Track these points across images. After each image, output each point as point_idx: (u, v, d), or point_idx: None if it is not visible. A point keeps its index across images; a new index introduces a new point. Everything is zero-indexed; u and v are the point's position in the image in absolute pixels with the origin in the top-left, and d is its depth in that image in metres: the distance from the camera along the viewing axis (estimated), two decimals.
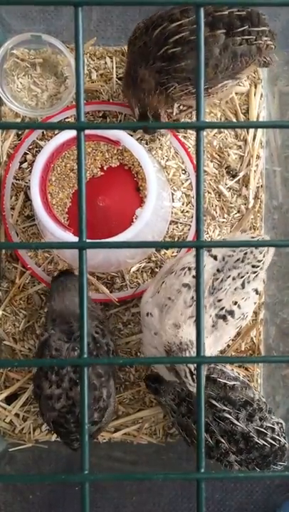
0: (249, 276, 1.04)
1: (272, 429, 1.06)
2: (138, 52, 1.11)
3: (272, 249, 1.07)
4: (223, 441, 1.04)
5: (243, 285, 1.03)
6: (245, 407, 1.06)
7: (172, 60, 1.08)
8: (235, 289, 1.03)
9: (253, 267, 1.04)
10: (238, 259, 1.04)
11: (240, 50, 1.07)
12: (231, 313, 1.02)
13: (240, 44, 1.07)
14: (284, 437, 1.08)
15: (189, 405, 1.09)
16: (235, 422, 1.04)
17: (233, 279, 1.03)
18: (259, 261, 1.04)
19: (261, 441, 1.04)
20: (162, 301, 1.04)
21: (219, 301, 1.02)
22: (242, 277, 1.03)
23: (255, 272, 1.04)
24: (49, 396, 1.07)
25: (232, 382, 1.09)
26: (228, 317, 1.02)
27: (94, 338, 1.09)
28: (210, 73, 1.08)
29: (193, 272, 1.03)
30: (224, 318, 1.02)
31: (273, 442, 1.04)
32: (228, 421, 1.05)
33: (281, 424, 1.09)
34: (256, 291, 1.07)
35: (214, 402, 1.06)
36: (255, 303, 1.09)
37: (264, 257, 1.05)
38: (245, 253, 1.04)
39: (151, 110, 1.15)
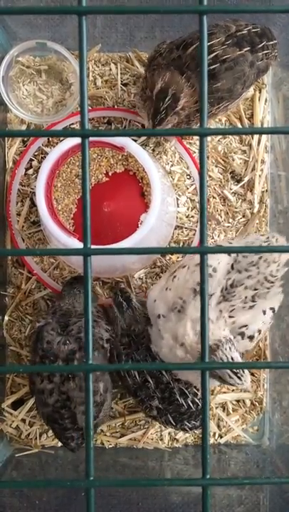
0: (261, 291, 1.03)
1: (195, 394, 1.14)
2: (172, 64, 1.10)
3: (285, 256, 1.04)
4: (150, 381, 1.12)
5: (253, 298, 1.03)
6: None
7: (212, 79, 1.09)
8: (245, 302, 1.03)
9: (266, 279, 1.02)
10: (251, 262, 1.03)
11: (262, 66, 1.14)
12: (242, 334, 1.04)
13: (261, 59, 1.13)
14: None
15: (131, 342, 1.14)
16: (163, 372, 1.12)
17: (246, 288, 1.02)
18: (273, 275, 1.03)
19: (181, 400, 1.12)
20: (172, 301, 1.03)
21: (231, 317, 1.03)
22: (255, 289, 1.03)
23: (268, 287, 1.03)
24: (41, 390, 1.06)
25: None
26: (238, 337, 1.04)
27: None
28: (239, 89, 1.13)
29: (210, 269, 1.02)
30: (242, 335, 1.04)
31: (191, 405, 1.13)
32: None
33: None
34: (267, 312, 1.06)
35: (151, 345, 1.11)
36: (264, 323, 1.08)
37: (278, 267, 1.03)
38: (260, 257, 1.03)
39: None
